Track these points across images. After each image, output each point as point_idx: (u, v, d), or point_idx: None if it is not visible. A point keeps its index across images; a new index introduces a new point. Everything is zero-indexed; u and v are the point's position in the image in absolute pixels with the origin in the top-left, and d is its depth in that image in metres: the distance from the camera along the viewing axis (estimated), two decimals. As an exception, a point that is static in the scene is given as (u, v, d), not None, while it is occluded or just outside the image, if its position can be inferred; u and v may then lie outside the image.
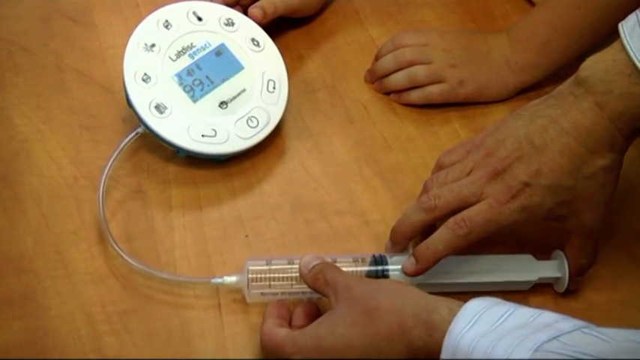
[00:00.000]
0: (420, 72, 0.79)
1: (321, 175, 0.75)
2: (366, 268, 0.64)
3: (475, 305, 0.53)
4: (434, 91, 0.79)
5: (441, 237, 0.62)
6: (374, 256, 0.65)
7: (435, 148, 0.76)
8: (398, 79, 0.80)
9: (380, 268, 0.64)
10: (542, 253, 0.67)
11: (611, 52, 0.61)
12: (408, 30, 0.82)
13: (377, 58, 0.82)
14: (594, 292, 0.67)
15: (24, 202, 0.72)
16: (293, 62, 0.83)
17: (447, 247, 0.62)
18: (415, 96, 0.80)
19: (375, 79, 0.82)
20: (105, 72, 0.82)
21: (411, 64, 0.79)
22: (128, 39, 0.75)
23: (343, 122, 0.79)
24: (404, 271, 0.63)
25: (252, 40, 0.77)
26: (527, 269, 0.66)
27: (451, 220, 0.62)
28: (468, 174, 0.64)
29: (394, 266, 0.65)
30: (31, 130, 0.77)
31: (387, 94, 0.82)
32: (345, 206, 0.73)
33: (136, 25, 0.76)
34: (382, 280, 0.62)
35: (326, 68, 0.84)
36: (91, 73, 0.82)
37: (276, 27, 0.83)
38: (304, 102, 0.81)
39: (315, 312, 0.63)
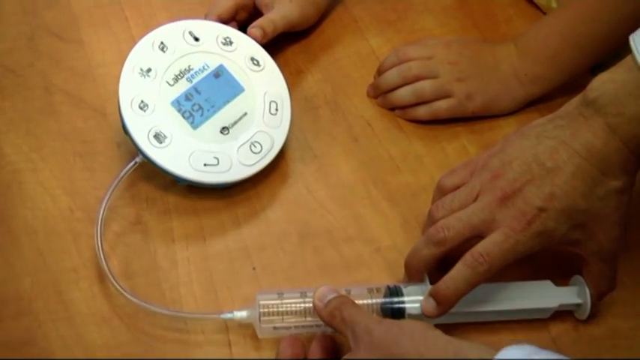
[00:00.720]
0: (426, 87, 0.76)
1: (327, 199, 0.72)
2: (381, 300, 0.62)
3: (509, 355, 0.51)
4: (442, 107, 0.76)
5: (460, 275, 0.59)
6: (388, 287, 0.63)
7: (444, 166, 0.72)
8: (404, 95, 0.77)
9: (395, 299, 0.62)
10: (559, 278, 0.65)
11: (619, 71, 0.59)
12: (412, 42, 0.79)
13: (380, 72, 0.79)
14: (616, 318, 0.65)
15: (19, 238, 0.68)
16: (292, 77, 0.79)
17: (468, 284, 0.59)
18: (422, 112, 0.77)
19: (379, 94, 0.79)
20: (96, 93, 0.78)
21: (416, 79, 0.76)
22: (118, 56, 0.72)
23: (347, 141, 0.76)
24: (424, 314, 0.61)
25: (252, 59, 0.74)
26: (546, 296, 0.64)
27: (468, 257, 0.59)
28: (475, 198, 0.61)
29: (410, 297, 0.62)
30: (21, 160, 0.73)
31: (392, 109, 0.78)
32: (355, 232, 0.70)
33: (127, 42, 0.74)
34: (403, 322, 0.59)
35: (326, 82, 0.81)
36: (81, 94, 0.78)
37: (273, 41, 0.79)
38: (306, 120, 0.77)
39: (331, 346, 0.61)
